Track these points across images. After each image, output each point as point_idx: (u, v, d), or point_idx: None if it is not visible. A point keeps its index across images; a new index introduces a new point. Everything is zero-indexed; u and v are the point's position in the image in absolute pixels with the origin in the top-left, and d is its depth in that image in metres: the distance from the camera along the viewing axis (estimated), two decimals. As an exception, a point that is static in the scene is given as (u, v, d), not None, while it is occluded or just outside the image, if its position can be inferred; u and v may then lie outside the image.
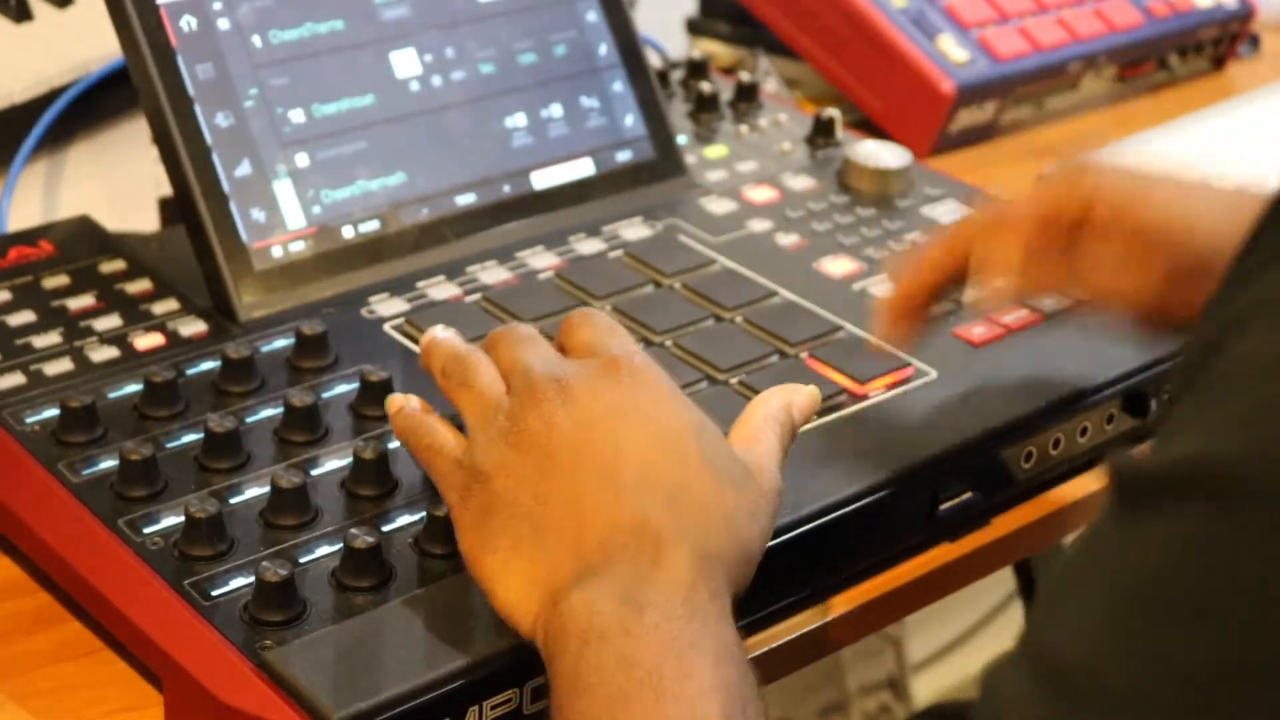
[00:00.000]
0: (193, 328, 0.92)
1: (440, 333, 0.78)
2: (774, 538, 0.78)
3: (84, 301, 0.93)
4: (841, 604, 0.84)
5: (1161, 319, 0.86)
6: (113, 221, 1.02)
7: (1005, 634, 2.01)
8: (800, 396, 0.78)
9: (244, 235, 0.94)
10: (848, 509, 0.82)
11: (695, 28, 1.49)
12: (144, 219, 1.14)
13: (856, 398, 0.89)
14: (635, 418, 0.71)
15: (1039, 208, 0.86)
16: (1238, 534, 0.49)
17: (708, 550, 0.68)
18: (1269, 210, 0.54)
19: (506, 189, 1.03)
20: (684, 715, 0.63)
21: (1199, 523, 0.49)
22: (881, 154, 1.10)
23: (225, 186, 0.94)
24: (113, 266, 0.96)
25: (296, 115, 0.97)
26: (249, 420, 0.84)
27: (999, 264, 0.85)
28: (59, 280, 0.94)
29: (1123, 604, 0.51)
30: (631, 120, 1.08)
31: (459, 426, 0.75)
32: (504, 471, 0.70)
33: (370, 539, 0.74)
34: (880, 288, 0.99)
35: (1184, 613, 0.50)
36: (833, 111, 1.17)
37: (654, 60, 1.20)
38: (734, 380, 0.90)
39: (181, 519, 0.77)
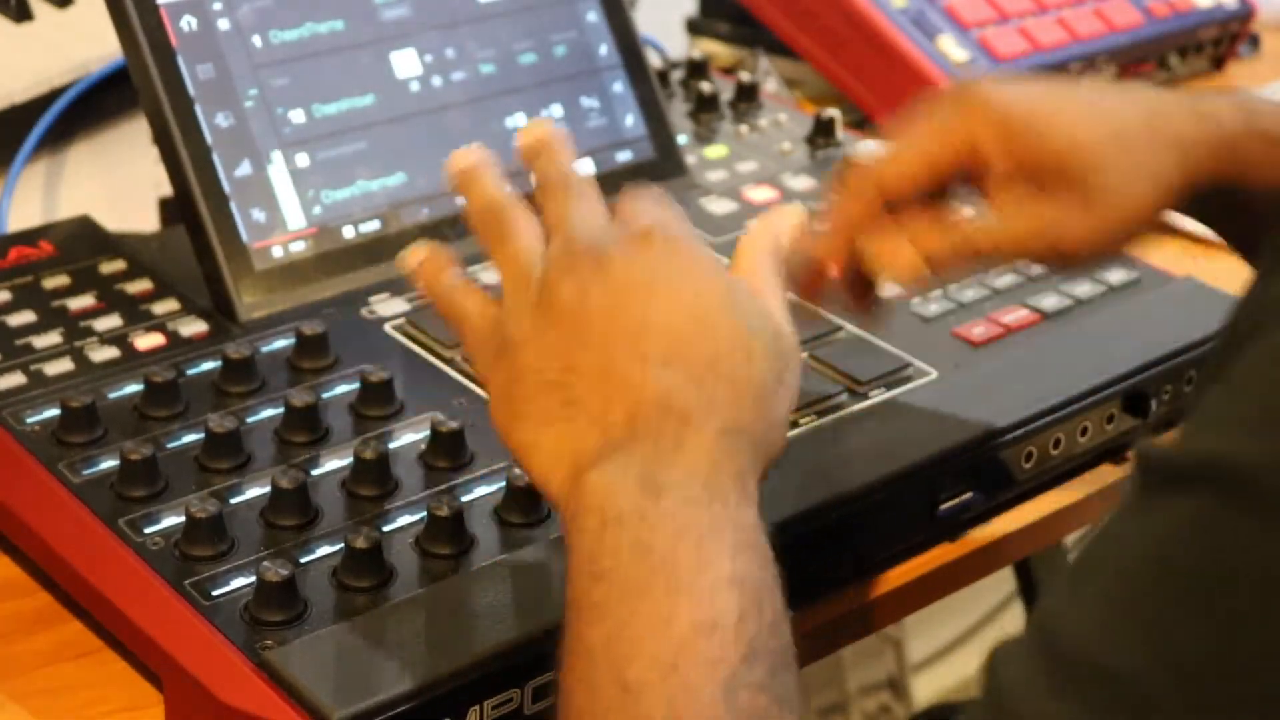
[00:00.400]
0: (193, 328, 0.92)
1: (476, 157, 0.76)
2: (774, 538, 0.78)
3: (84, 302, 0.93)
4: (841, 604, 0.84)
5: (1074, 253, 0.79)
6: (113, 221, 1.02)
7: (1005, 634, 2.01)
8: (785, 223, 0.76)
9: (244, 235, 0.94)
10: (848, 509, 0.82)
11: (695, 28, 1.49)
12: (144, 219, 1.14)
13: (856, 398, 0.89)
14: (668, 287, 0.69)
15: (923, 162, 0.79)
16: (1244, 527, 0.49)
17: (735, 426, 0.67)
18: None
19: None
20: (697, 608, 0.61)
21: (1208, 513, 0.50)
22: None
23: (225, 186, 0.94)
24: (113, 267, 0.96)
25: (297, 115, 0.97)
26: (249, 420, 0.84)
27: (898, 259, 0.80)
28: (59, 280, 0.94)
29: (1126, 586, 0.52)
30: (631, 120, 1.08)
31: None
32: (535, 341, 0.69)
33: (371, 539, 0.74)
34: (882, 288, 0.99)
35: (1185, 597, 0.50)
36: (833, 111, 1.17)
37: (654, 60, 1.20)
38: (734, 380, 0.90)
39: (182, 519, 0.77)
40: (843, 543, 0.83)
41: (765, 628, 0.62)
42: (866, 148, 1.11)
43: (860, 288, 0.83)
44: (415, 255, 0.76)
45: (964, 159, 0.79)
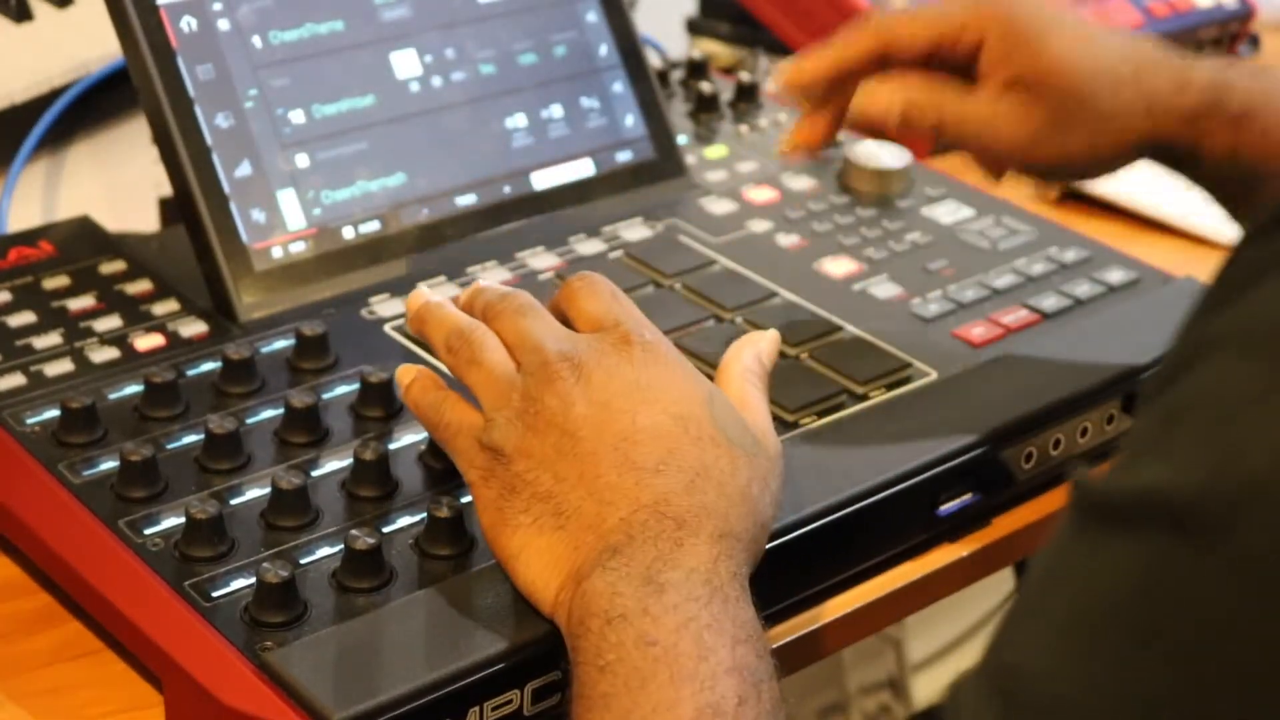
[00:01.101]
0: (193, 328, 0.92)
1: (429, 295, 0.79)
2: (774, 539, 0.78)
3: (84, 302, 0.93)
4: (841, 604, 0.84)
5: (1035, 163, 0.88)
6: (113, 221, 1.02)
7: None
8: (765, 344, 0.80)
9: (244, 235, 0.94)
10: (848, 509, 0.82)
11: (695, 28, 1.49)
12: (144, 219, 1.14)
13: (856, 398, 0.89)
14: (651, 395, 0.72)
15: (932, 32, 0.87)
16: (1191, 565, 0.49)
17: (727, 529, 0.69)
18: (1256, 228, 0.54)
19: (506, 189, 1.03)
20: (700, 694, 0.63)
21: (1155, 551, 0.50)
22: (881, 154, 1.10)
23: (225, 187, 0.94)
24: (113, 267, 0.96)
25: (297, 116, 0.97)
26: (249, 421, 0.84)
27: (880, 96, 0.88)
28: (59, 281, 0.94)
29: (1077, 625, 0.52)
30: (631, 120, 1.08)
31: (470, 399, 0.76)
32: (524, 452, 0.71)
33: (371, 540, 0.74)
34: (882, 289, 0.99)
35: (1136, 636, 0.50)
36: (833, 111, 1.17)
37: (654, 60, 1.20)
38: (734, 381, 0.90)
39: (182, 520, 0.77)
40: (843, 543, 0.83)
41: (764, 713, 0.64)
42: (866, 148, 1.11)
43: (826, 123, 0.91)
44: (407, 374, 0.78)
45: (969, 47, 0.87)
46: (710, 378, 0.89)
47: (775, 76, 0.92)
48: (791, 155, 0.96)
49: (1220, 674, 0.48)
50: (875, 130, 0.91)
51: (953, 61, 0.88)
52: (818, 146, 0.93)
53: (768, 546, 0.77)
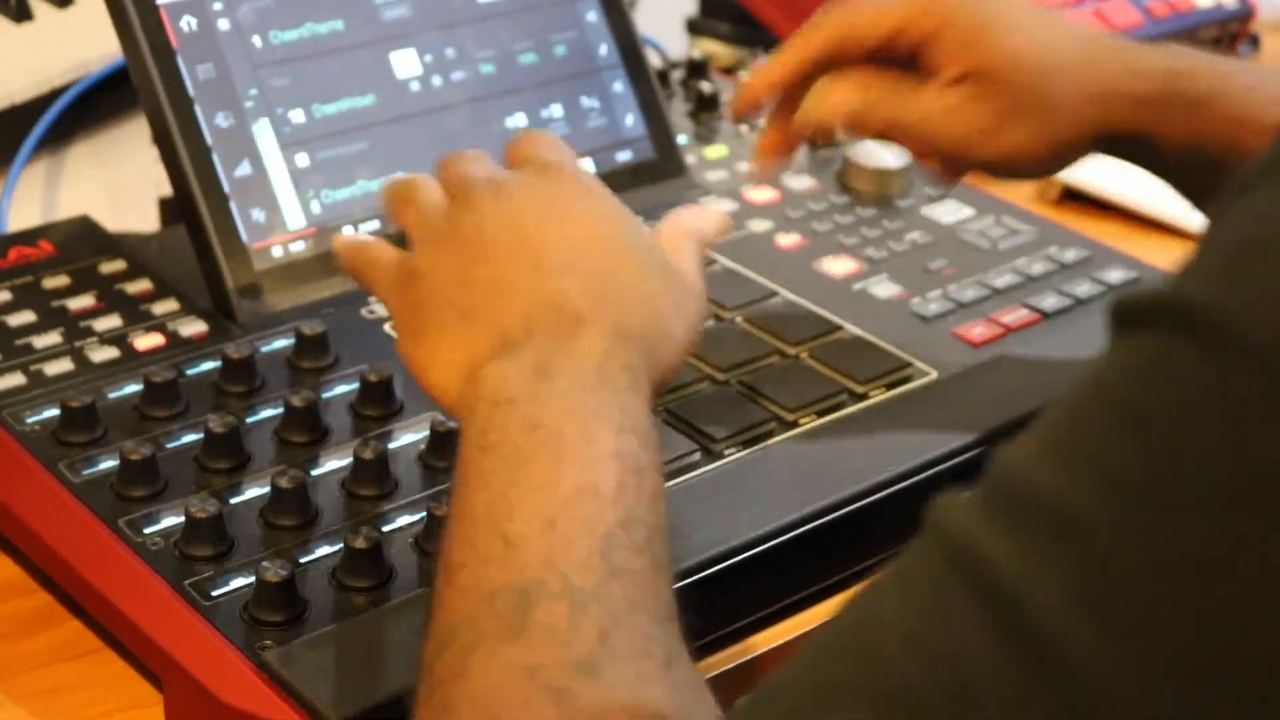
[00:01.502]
0: (193, 328, 0.92)
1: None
2: (775, 540, 0.78)
3: (84, 302, 0.93)
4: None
5: (989, 157, 0.87)
6: (113, 221, 1.02)
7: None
8: (712, 218, 0.80)
9: (244, 235, 0.94)
10: (848, 509, 0.82)
11: (695, 28, 1.49)
12: (144, 219, 1.14)
13: (856, 398, 0.89)
14: (565, 209, 0.73)
15: (885, 28, 0.87)
16: (1193, 359, 0.49)
17: (626, 328, 0.69)
18: None
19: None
20: (579, 476, 0.63)
21: (1158, 347, 0.50)
22: (881, 154, 1.10)
23: (225, 186, 0.94)
24: (113, 267, 0.96)
25: (297, 115, 0.97)
26: (249, 420, 0.84)
27: (829, 97, 0.87)
28: (59, 280, 0.94)
29: (1072, 416, 0.52)
30: (631, 120, 1.08)
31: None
32: (435, 268, 0.72)
33: (370, 539, 0.75)
34: (882, 288, 0.99)
35: (1128, 423, 0.50)
36: (833, 111, 1.17)
37: (654, 60, 1.20)
38: (734, 380, 0.90)
39: (182, 519, 0.77)
40: (842, 543, 0.83)
41: (644, 499, 0.64)
42: (866, 148, 1.11)
43: (783, 125, 0.90)
44: (338, 240, 0.80)
45: (918, 42, 0.86)
46: (710, 378, 0.89)
47: (731, 96, 0.91)
48: (763, 171, 0.95)
49: (1204, 464, 0.48)
50: (827, 132, 0.90)
51: (901, 56, 0.87)
52: (787, 155, 0.92)
53: (767, 547, 0.78)
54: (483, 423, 0.66)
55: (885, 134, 0.88)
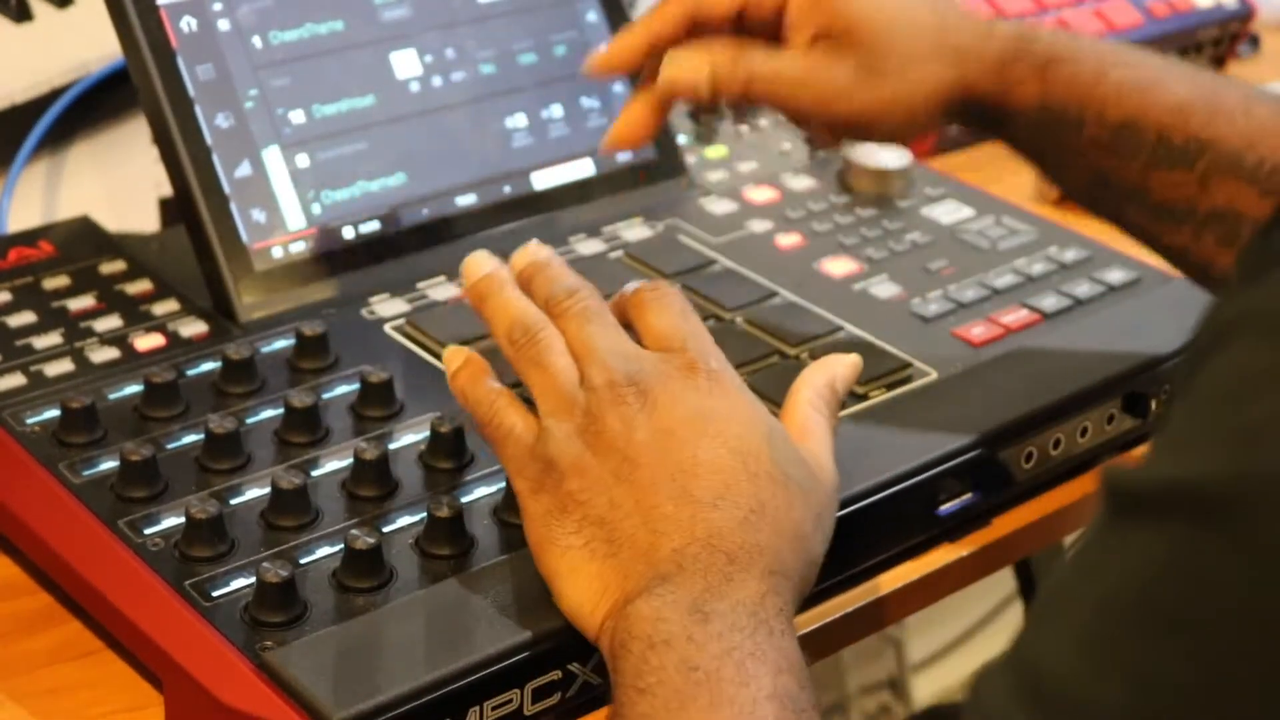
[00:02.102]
0: (193, 328, 0.92)
1: (490, 267, 0.78)
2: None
3: (84, 302, 0.93)
4: (841, 604, 0.84)
5: (847, 118, 0.87)
6: (113, 221, 1.02)
7: (1005, 634, 2.01)
8: (844, 369, 0.79)
9: (244, 235, 0.94)
10: (848, 509, 0.82)
11: (695, 28, 1.48)
12: (144, 219, 1.14)
13: (856, 398, 0.89)
14: (713, 427, 0.71)
15: None
16: (1217, 554, 0.49)
17: (778, 567, 0.69)
18: (1274, 217, 0.54)
19: (507, 189, 1.03)
20: (739, 717, 0.63)
21: (1181, 542, 0.50)
22: (881, 154, 1.10)
23: (225, 186, 0.94)
24: (113, 267, 0.96)
25: (297, 115, 0.97)
26: (249, 421, 0.84)
27: (687, 62, 0.86)
28: (59, 281, 0.94)
29: (1102, 618, 0.52)
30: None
31: (524, 397, 0.75)
32: (580, 472, 0.71)
33: (371, 540, 0.74)
34: (882, 289, 0.99)
35: (1160, 628, 0.50)
36: (833, 111, 1.17)
37: (654, 60, 1.20)
38: (734, 380, 0.90)
39: (182, 520, 0.77)
40: (843, 543, 0.83)
41: None
42: (866, 148, 1.11)
43: (651, 109, 0.89)
44: (455, 358, 0.77)
45: (775, 8, 0.87)
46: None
47: (587, 60, 0.90)
48: (617, 144, 0.91)
49: (1243, 665, 0.48)
50: (688, 98, 0.88)
51: (760, 21, 0.87)
52: (647, 135, 0.90)
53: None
54: (637, 663, 0.66)
55: (747, 95, 0.87)
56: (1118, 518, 0.53)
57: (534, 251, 0.79)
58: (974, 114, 0.89)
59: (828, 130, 0.90)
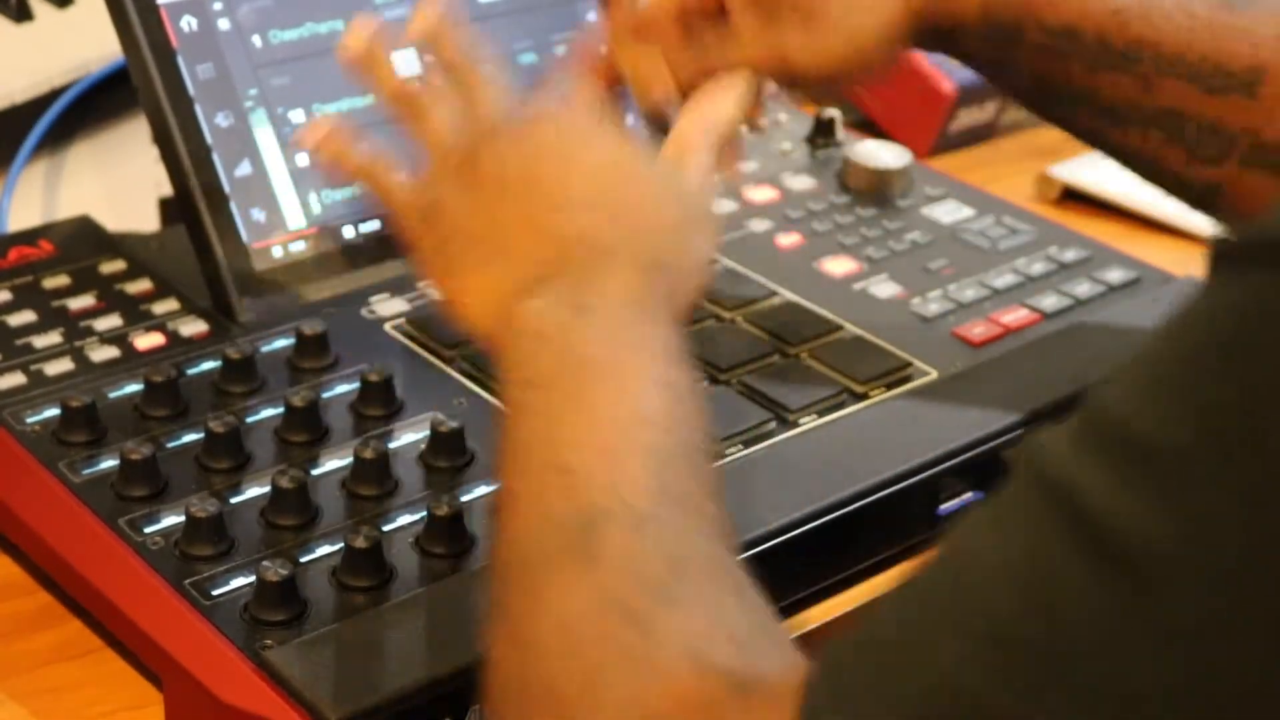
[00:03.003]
0: (193, 328, 0.92)
1: (370, 34, 0.81)
2: (775, 538, 0.78)
3: (84, 301, 0.93)
4: (842, 604, 0.84)
5: (809, 74, 0.86)
6: (113, 221, 1.02)
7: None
8: (721, 108, 0.82)
9: (244, 235, 0.94)
10: (848, 509, 0.82)
11: (695, 28, 1.48)
12: (144, 219, 1.14)
13: (856, 398, 0.89)
14: (585, 148, 0.74)
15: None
16: None
17: (655, 260, 0.71)
18: None
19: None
20: (631, 403, 0.64)
21: (1252, 283, 0.49)
22: (881, 154, 1.10)
23: (225, 186, 0.94)
24: (113, 266, 0.96)
25: (296, 115, 0.97)
26: (249, 420, 0.84)
27: (651, 79, 0.86)
28: (59, 280, 0.95)
29: (1163, 351, 0.51)
30: (631, 120, 1.08)
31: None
32: (461, 203, 0.74)
33: (371, 539, 0.75)
34: (882, 288, 0.99)
35: (1217, 358, 0.49)
36: (833, 111, 1.17)
37: (654, 60, 1.19)
38: (734, 380, 0.90)
39: (182, 519, 0.77)
40: (843, 542, 0.83)
41: (692, 424, 0.64)
42: (866, 148, 1.11)
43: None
44: (316, 131, 0.81)
45: None
46: (710, 378, 0.89)
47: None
48: None
49: None
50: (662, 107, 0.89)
51: (700, 7, 0.87)
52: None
53: (767, 546, 0.78)
54: (523, 357, 0.67)
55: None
56: (1214, 271, 0.52)
57: (430, 11, 0.81)
58: (926, 37, 0.88)
59: (799, 92, 0.92)
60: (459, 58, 0.79)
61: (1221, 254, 0.52)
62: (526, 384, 0.66)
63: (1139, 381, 0.52)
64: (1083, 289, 1.00)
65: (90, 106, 1.18)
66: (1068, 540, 0.50)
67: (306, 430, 0.83)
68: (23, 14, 1.18)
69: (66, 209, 1.13)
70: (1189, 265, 1.04)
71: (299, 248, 0.95)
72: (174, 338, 0.91)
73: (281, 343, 0.90)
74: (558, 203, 0.72)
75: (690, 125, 0.81)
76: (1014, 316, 0.97)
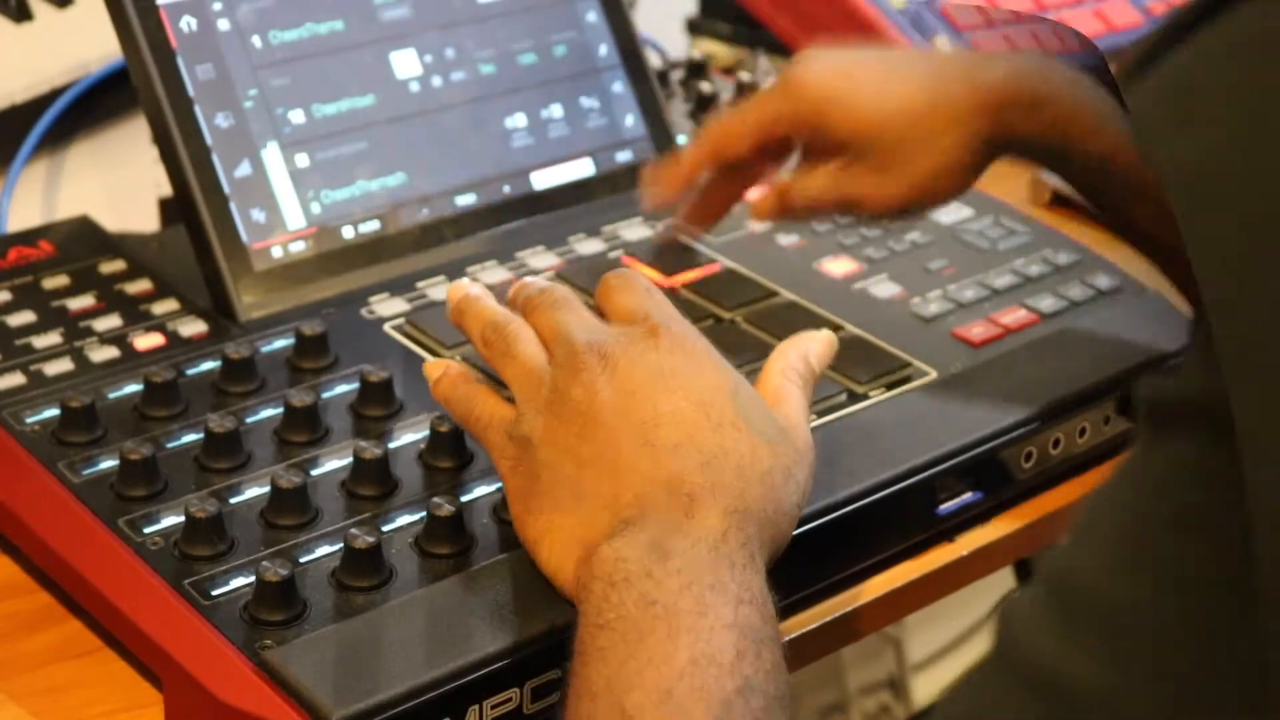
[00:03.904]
0: (193, 328, 0.92)
1: (471, 289, 0.81)
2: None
3: (84, 302, 0.93)
4: (841, 603, 0.84)
5: (886, 211, 0.92)
6: (113, 221, 1.02)
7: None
8: (817, 344, 0.80)
9: (244, 235, 0.94)
10: (848, 509, 0.82)
11: (695, 28, 1.49)
12: (144, 219, 1.14)
13: (856, 398, 0.89)
14: (674, 382, 0.73)
15: (754, 134, 0.92)
16: (1233, 461, 0.49)
17: (741, 506, 0.70)
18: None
19: (506, 189, 1.03)
20: (696, 645, 0.64)
21: (1200, 449, 0.51)
22: (881, 154, 1.10)
23: (225, 186, 0.94)
24: (113, 267, 0.96)
25: (296, 115, 0.97)
26: (249, 420, 0.84)
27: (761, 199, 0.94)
28: (59, 281, 0.94)
29: (1128, 522, 0.52)
30: (631, 120, 1.08)
31: (498, 385, 0.77)
32: (548, 440, 0.73)
33: (370, 539, 0.75)
34: (882, 288, 0.99)
35: (1184, 529, 0.50)
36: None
37: (654, 60, 1.20)
38: (734, 380, 0.90)
39: (182, 519, 0.77)
40: (843, 543, 0.83)
41: (763, 671, 0.64)
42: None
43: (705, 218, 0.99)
44: (435, 369, 0.80)
45: (788, 133, 0.92)
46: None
47: (644, 193, 0.98)
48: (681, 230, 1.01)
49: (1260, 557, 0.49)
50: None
51: (786, 144, 0.93)
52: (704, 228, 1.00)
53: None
54: (599, 602, 0.67)
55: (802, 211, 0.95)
56: (1147, 431, 0.53)
57: (522, 282, 0.82)
58: (1010, 153, 0.92)
59: (883, 219, 0.97)
60: (531, 292, 0.79)
61: (1152, 416, 0.53)
62: (598, 627, 0.66)
63: (1109, 550, 0.53)
64: (1075, 292, 1.00)
65: (90, 106, 1.18)
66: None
67: (306, 430, 0.83)
68: (23, 14, 1.18)
69: (66, 209, 1.13)
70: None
71: (299, 248, 0.95)
72: (174, 338, 0.91)
73: (281, 343, 0.90)
74: (644, 444, 0.71)
75: (784, 363, 0.79)
76: (1014, 317, 0.97)
